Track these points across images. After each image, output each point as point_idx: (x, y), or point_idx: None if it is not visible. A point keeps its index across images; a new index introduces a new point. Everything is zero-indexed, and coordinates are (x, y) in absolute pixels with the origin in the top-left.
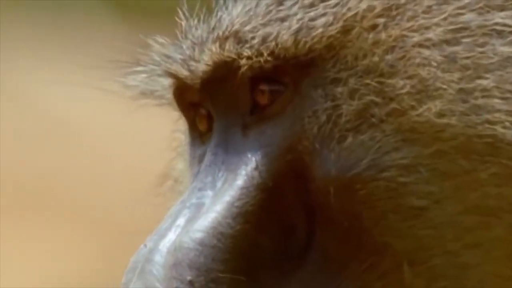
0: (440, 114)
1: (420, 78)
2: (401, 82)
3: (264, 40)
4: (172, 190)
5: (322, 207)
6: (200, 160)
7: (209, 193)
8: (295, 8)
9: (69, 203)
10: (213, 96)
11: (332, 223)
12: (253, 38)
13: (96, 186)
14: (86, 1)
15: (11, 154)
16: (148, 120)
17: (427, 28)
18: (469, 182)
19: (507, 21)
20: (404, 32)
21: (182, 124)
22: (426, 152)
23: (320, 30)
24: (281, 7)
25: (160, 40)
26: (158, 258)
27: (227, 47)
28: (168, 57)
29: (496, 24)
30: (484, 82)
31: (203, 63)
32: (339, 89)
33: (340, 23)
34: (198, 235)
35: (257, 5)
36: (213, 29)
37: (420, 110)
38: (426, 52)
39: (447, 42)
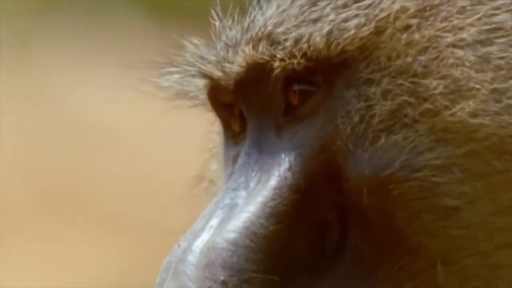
0: (474, 114)
1: (454, 78)
2: (435, 83)
3: (297, 41)
4: (206, 192)
5: (356, 207)
6: (234, 161)
7: (243, 193)
8: (327, 9)
9: (102, 206)
10: (246, 97)
11: (365, 223)
12: (286, 39)
13: (128, 188)
14: (118, 2)
15: (44, 157)
16: (180, 122)
17: (461, 28)
18: (502, 183)
19: None
20: (438, 33)
21: (217, 126)
22: (459, 152)
23: (353, 31)
24: (314, 8)
25: (195, 41)
26: (191, 258)
27: (260, 48)
28: (202, 58)
29: None
30: None
31: (237, 64)
32: (372, 90)
33: (373, 24)
34: (231, 235)
35: (290, 6)
36: (247, 30)
37: (454, 110)
38: (460, 53)
39: (481, 42)
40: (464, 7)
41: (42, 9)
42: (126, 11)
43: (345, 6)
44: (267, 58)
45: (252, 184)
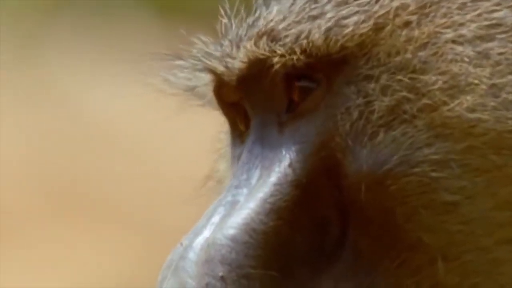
0: (472, 109)
1: (452, 74)
2: (433, 78)
3: (297, 38)
4: (213, 191)
5: (355, 204)
6: (239, 159)
7: (244, 190)
8: (328, 6)
9: (105, 206)
10: (249, 94)
11: (365, 220)
12: (286, 36)
13: (132, 188)
14: (124, 2)
15: (47, 157)
16: (185, 121)
17: (461, 24)
18: (501, 178)
19: None
20: (438, 29)
21: (225, 126)
22: (458, 147)
23: (352, 28)
24: (314, 5)
25: (204, 38)
26: (192, 255)
27: (261, 44)
28: (208, 54)
29: None
30: None
31: (239, 60)
32: (372, 86)
33: (372, 21)
34: (231, 231)
35: (293, 3)
36: (251, 27)
37: (452, 105)
38: (459, 48)
39: (481, 38)
40: (464, 3)
41: (47, 9)
42: (132, 11)
43: (345, 3)
44: (267, 53)
45: (253, 181)
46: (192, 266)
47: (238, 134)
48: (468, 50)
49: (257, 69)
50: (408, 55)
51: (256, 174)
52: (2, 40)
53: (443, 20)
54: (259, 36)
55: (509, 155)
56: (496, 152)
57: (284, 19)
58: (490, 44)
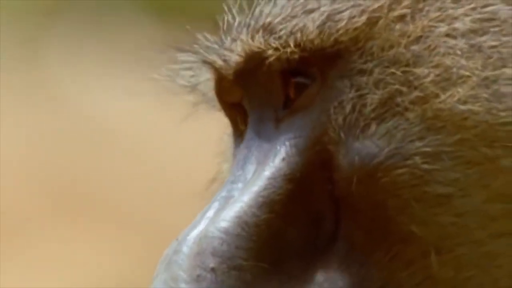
0: (463, 101)
1: (445, 67)
2: (426, 71)
3: (291, 31)
4: (215, 192)
5: (347, 197)
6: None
7: (239, 185)
8: (323, 1)
9: (106, 207)
10: (246, 88)
11: (357, 213)
12: (281, 29)
13: (133, 188)
14: (126, 3)
15: (48, 157)
16: (188, 122)
17: (454, 18)
18: (492, 170)
19: None
20: (431, 23)
21: (228, 128)
22: (450, 140)
23: (346, 22)
24: (310, 0)
25: (208, 35)
26: (185, 248)
27: (256, 38)
28: (208, 47)
29: None
30: (509, 71)
31: (236, 53)
32: (364, 79)
33: (366, 15)
34: (223, 224)
35: None
36: (249, 21)
37: (443, 97)
38: (452, 42)
39: (474, 31)
40: None
41: (48, 10)
42: (131, 12)
43: None
44: (262, 47)
45: (248, 176)
46: (184, 259)
47: (239, 134)
48: (461, 44)
49: (254, 63)
50: (402, 49)
51: (251, 169)
52: (2, 41)
53: (437, 14)
54: (256, 30)
55: (501, 147)
56: (487, 144)
57: (280, 13)
58: (483, 38)
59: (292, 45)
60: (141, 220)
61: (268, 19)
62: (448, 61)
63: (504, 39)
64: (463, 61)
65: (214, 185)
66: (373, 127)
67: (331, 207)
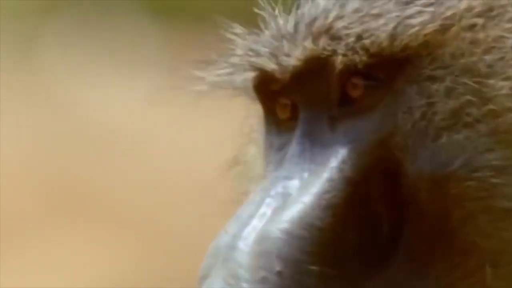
0: None
1: None
2: (499, 83)
3: (359, 37)
4: (241, 175)
5: (412, 204)
6: (280, 148)
7: (295, 183)
8: (390, 5)
9: (105, 207)
10: (301, 88)
11: (421, 221)
12: (348, 35)
13: (132, 189)
14: (123, 3)
15: (46, 158)
16: (185, 122)
17: None
18: None
19: None
20: (504, 33)
21: (255, 110)
22: None
23: (417, 28)
24: (376, 4)
25: (238, 30)
26: (243, 246)
27: (321, 44)
28: (252, 50)
29: None
30: None
31: (295, 57)
32: (435, 87)
33: (438, 22)
34: (286, 225)
35: (347, 0)
36: (302, 21)
37: None
38: None
39: None
40: None
41: (46, 10)
42: (130, 12)
43: (408, 2)
44: (328, 53)
45: (305, 175)
46: (244, 257)
47: (276, 122)
48: None
49: (315, 66)
50: (474, 58)
51: (307, 168)
52: (1, 42)
53: (509, 25)
54: (318, 34)
55: None
56: None
57: (342, 16)
58: None
59: (361, 51)
60: (139, 220)
61: (329, 22)
62: None
63: None
64: None
65: (238, 167)
66: (444, 137)
67: (391, 213)
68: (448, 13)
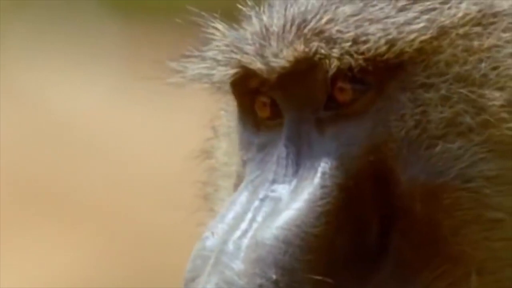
0: None
1: None
2: (494, 93)
3: (355, 41)
4: (214, 170)
5: (403, 212)
6: (261, 148)
7: (285, 187)
8: (387, 10)
9: (79, 206)
10: (286, 89)
11: (412, 229)
12: (342, 38)
13: (106, 187)
14: (86, 2)
15: (17, 157)
16: (159, 118)
17: None
18: None
19: None
20: (499, 42)
21: (227, 105)
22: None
23: (414, 34)
24: (372, 9)
25: (220, 27)
26: (235, 251)
27: (314, 46)
28: (236, 46)
29: None
30: None
31: (284, 58)
32: (430, 95)
33: (434, 29)
34: (281, 232)
35: (340, 2)
36: (292, 21)
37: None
38: None
39: None
40: None
41: (8, 8)
42: (92, 9)
43: (405, 8)
44: (321, 56)
45: (294, 179)
46: (238, 263)
47: (253, 119)
48: None
49: (305, 68)
50: (468, 67)
51: (295, 171)
52: None
53: (505, 35)
54: (310, 36)
55: None
56: None
57: (336, 19)
58: None
59: (355, 55)
60: (111, 220)
61: (322, 24)
62: None
63: None
64: None
65: (209, 161)
66: (437, 146)
67: (379, 219)
68: (445, 20)
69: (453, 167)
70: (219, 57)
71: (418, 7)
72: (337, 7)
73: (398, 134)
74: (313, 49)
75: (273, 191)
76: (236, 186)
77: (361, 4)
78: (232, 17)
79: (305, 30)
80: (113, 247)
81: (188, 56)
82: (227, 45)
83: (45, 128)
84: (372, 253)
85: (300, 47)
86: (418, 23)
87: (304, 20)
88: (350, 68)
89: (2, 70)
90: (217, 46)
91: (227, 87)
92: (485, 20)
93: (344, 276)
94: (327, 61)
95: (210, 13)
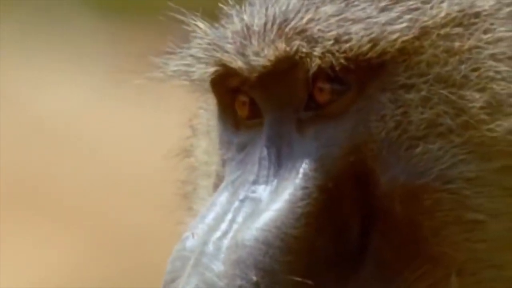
0: (511, 131)
1: (494, 93)
2: (474, 95)
3: (337, 40)
4: (190, 169)
5: (384, 213)
6: (241, 148)
7: (265, 188)
8: (369, 10)
9: (56, 203)
10: (267, 89)
11: (392, 229)
12: (324, 38)
13: (83, 184)
14: (70, 2)
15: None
16: (136, 118)
17: (502, 41)
18: None
19: None
20: (480, 43)
21: (207, 103)
22: (492, 166)
23: (396, 34)
24: (353, 9)
25: (201, 25)
26: (215, 252)
27: (295, 45)
28: (216, 45)
29: None
30: None
31: (265, 57)
32: (410, 96)
33: (417, 29)
34: (261, 233)
35: (321, 1)
36: (273, 20)
37: (492, 125)
38: (500, 66)
39: None
40: (508, 20)
41: None
42: (76, 10)
43: (387, 8)
44: (302, 55)
45: (275, 180)
46: (218, 264)
47: (232, 118)
48: (510, 68)
49: (284, 67)
50: (449, 67)
51: (276, 172)
52: None
53: (486, 36)
54: (291, 35)
55: None
56: None
57: (318, 18)
58: None
59: (337, 54)
60: (87, 218)
61: (303, 23)
62: (497, 87)
63: None
64: None
65: (188, 159)
66: (418, 147)
67: (359, 220)
68: (427, 20)
69: (433, 168)
70: (200, 54)
71: (400, 7)
72: (318, 7)
73: (378, 134)
74: (294, 48)
75: (253, 191)
76: (215, 185)
77: (342, 4)
78: (213, 16)
79: (287, 29)
80: (94, 245)
81: (169, 53)
82: (208, 43)
83: (30, 128)
84: (352, 254)
85: (282, 46)
86: (401, 23)
87: (285, 19)
88: (332, 68)
89: None
90: (198, 44)
91: (207, 85)
92: (466, 20)
93: (325, 277)
94: (308, 59)
95: (191, 12)
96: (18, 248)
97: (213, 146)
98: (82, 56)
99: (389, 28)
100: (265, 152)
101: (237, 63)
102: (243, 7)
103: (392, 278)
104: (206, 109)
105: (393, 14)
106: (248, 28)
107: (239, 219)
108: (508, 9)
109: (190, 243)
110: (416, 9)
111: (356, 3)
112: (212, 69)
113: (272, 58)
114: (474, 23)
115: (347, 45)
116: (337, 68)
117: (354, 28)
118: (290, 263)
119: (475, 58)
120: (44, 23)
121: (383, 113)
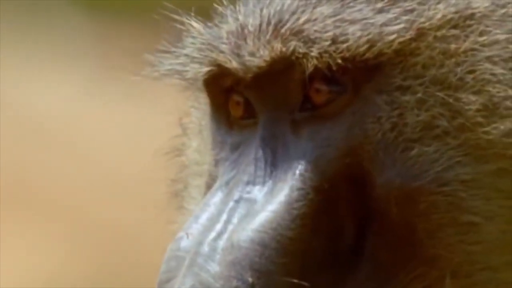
0: (508, 134)
1: (490, 95)
2: (470, 97)
3: (334, 41)
4: (181, 168)
5: (380, 215)
6: (235, 148)
7: (260, 188)
8: (365, 11)
9: (47, 202)
10: (262, 89)
11: (387, 231)
12: (321, 38)
13: (74, 184)
14: (57, 2)
15: None
16: (123, 116)
17: (497, 43)
18: None
19: None
20: (475, 46)
21: (198, 102)
22: (488, 168)
23: (394, 35)
24: (350, 10)
25: (195, 24)
26: (211, 252)
27: (292, 46)
28: (211, 45)
29: None
30: None
31: (261, 58)
32: (406, 98)
33: (413, 30)
34: (257, 235)
35: (318, 2)
36: (268, 21)
37: (488, 128)
38: (496, 69)
39: None
40: (503, 22)
41: None
42: (63, 9)
43: (383, 9)
44: (299, 56)
45: (270, 181)
46: (214, 265)
47: (226, 118)
48: (505, 71)
49: (279, 68)
50: (445, 70)
51: (270, 173)
52: None
53: (482, 38)
54: (288, 35)
55: None
56: None
57: (314, 19)
58: None
59: (334, 55)
60: (72, 216)
61: (300, 24)
62: (493, 89)
63: None
64: (510, 91)
65: (179, 158)
66: (413, 149)
67: (354, 221)
68: (423, 22)
69: (429, 171)
70: (194, 54)
71: (396, 9)
72: (314, 8)
73: (374, 136)
74: (291, 49)
75: (248, 192)
76: (208, 185)
77: (338, 5)
78: (208, 16)
79: (283, 30)
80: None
81: (163, 51)
82: (202, 43)
83: (16, 127)
84: (348, 256)
85: (278, 46)
86: (397, 24)
87: (281, 20)
88: (328, 68)
89: None
90: (192, 43)
91: (200, 84)
92: (462, 22)
93: (320, 278)
94: (305, 60)
95: (185, 11)
96: (17, 248)
97: (205, 145)
98: (70, 54)
99: (386, 29)
100: (260, 152)
101: (232, 64)
102: (237, 7)
103: (388, 280)
104: (198, 108)
105: (390, 15)
106: (243, 28)
107: (234, 220)
108: (502, 11)
109: (184, 243)
110: (413, 10)
111: (352, 4)
112: (206, 69)
113: (268, 58)
114: (469, 25)
115: (344, 45)
116: (334, 68)
117: (351, 29)
118: (286, 265)
119: (471, 60)
120: (31, 22)
121: (379, 115)
